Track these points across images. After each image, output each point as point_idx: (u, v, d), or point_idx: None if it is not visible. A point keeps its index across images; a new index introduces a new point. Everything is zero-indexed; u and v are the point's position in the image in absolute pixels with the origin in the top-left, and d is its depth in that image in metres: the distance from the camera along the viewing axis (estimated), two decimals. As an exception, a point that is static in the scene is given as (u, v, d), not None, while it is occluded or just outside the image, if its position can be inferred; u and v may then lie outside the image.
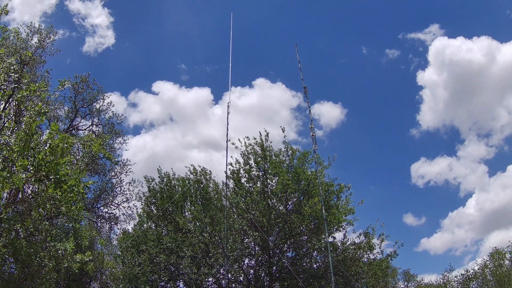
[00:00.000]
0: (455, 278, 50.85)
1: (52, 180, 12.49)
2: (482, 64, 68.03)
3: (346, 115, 71.12)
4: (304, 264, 23.77)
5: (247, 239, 23.19)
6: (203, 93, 71.91)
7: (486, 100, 71.51)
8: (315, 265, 23.70)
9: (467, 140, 75.23)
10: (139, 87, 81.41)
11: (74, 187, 12.02)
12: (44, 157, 12.08)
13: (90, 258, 15.16)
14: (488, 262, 42.63)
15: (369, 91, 77.73)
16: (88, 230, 26.91)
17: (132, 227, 27.45)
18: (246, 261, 24.21)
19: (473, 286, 42.90)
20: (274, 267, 23.14)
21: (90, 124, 26.62)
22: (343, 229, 23.51)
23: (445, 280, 47.79)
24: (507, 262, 43.78)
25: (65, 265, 15.07)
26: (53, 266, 14.51)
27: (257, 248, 23.72)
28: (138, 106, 71.61)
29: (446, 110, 73.89)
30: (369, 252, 23.39)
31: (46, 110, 13.57)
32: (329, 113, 68.59)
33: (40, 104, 12.88)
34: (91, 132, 24.56)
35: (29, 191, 13.94)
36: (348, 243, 23.51)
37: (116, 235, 29.05)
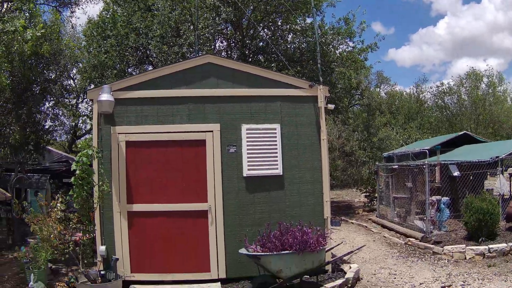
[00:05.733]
0: (430, 89, 50.85)
1: None
2: None
3: None
4: (279, 45, 22.44)
5: (218, 17, 21.43)
6: None
7: None
8: (290, 48, 22.43)
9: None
10: None
11: None
12: None
13: (42, 31, 13.38)
14: (464, 81, 42.06)
15: None
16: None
17: (97, 14, 25.47)
18: (218, 43, 22.89)
19: (448, 101, 42.81)
20: (247, 48, 21.90)
21: None
22: (321, 13, 22.08)
23: (418, 90, 47.55)
24: (483, 85, 43.57)
25: (15, 47, 13.24)
26: (2, 52, 12.68)
27: (229, 28, 22.22)
28: None
29: None
30: (348, 40, 22.16)
31: None
32: None
33: None
34: None
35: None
36: (327, 27, 22.13)
37: (80, 25, 27.07)
